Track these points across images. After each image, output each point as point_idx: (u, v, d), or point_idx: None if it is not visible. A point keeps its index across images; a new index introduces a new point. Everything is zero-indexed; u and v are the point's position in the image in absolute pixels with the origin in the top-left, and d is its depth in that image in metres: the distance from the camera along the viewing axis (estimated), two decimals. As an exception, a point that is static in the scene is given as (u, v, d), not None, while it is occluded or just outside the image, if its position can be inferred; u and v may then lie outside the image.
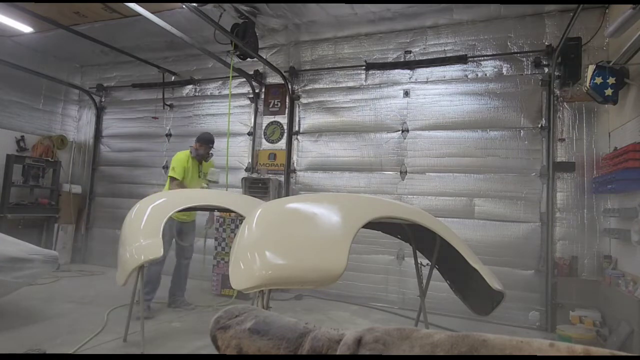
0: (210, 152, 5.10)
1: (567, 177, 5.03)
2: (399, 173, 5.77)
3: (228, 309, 1.16)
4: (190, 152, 4.99)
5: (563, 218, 5.00)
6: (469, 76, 5.58)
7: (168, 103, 7.42)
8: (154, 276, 4.64)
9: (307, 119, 6.45)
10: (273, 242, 2.41)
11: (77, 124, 8.39)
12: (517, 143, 5.26)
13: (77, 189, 7.81)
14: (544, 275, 4.92)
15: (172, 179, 4.81)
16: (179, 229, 4.91)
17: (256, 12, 5.60)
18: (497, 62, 5.46)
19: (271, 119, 6.61)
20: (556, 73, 5.08)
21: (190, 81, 7.34)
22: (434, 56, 5.75)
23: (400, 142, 5.80)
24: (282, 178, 6.38)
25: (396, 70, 5.96)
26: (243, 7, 5.42)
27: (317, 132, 6.36)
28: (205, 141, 5.04)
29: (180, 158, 4.92)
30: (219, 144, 6.84)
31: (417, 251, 3.80)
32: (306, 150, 6.41)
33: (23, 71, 6.82)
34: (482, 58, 5.52)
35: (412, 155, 5.73)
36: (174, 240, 4.91)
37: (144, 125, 7.68)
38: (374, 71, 6.08)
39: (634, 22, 3.60)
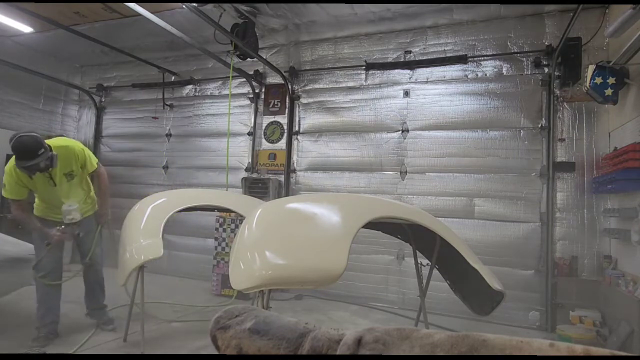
0: (49, 156, 3.32)
1: (567, 177, 5.03)
2: (399, 173, 5.77)
3: (228, 309, 1.16)
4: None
5: (563, 218, 5.00)
6: (469, 76, 5.58)
7: (168, 103, 7.42)
8: (45, 292, 3.62)
9: (307, 119, 6.45)
10: (273, 242, 2.41)
11: (77, 124, 8.39)
12: (517, 143, 5.26)
13: (77, 189, 7.81)
14: (544, 275, 4.92)
15: (11, 200, 3.49)
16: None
17: (256, 12, 5.60)
18: (497, 62, 5.45)
19: (271, 119, 6.61)
20: (556, 73, 5.08)
21: (190, 81, 7.34)
22: (434, 56, 5.75)
23: (400, 142, 5.80)
24: (282, 178, 6.38)
25: (396, 70, 5.96)
26: (243, 7, 5.42)
27: (317, 132, 6.36)
28: (18, 153, 3.21)
29: (9, 172, 3.41)
30: (218, 144, 6.91)
31: (417, 251, 3.80)
32: (306, 150, 6.41)
33: (23, 71, 6.81)
34: (482, 58, 5.52)
35: (412, 155, 5.73)
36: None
37: (144, 125, 7.68)
38: (374, 71, 6.08)
39: (634, 22, 3.59)
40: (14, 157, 3.28)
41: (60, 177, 3.57)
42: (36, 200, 3.74)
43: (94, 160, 3.87)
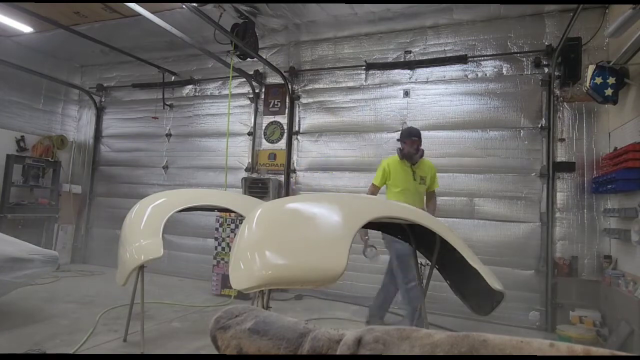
0: (419, 148, 4.30)
1: (567, 177, 5.03)
2: (399, 173, 5.77)
3: (228, 309, 1.16)
4: (397, 153, 4.40)
5: (563, 218, 4.99)
6: (469, 76, 5.58)
7: (168, 103, 7.42)
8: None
9: (307, 119, 6.45)
10: (273, 242, 2.40)
11: (77, 124, 8.38)
12: (517, 143, 5.26)
13: (77, 189, 7.81)
14: (544, 275, 4.91)
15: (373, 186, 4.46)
16: None
17: (256, 12, 5.60)
18: (497, 62, 5.45)
19: (271, 119, 6.61)
20: (556, 73, 5.08)
21: (190, 81, 7.34)
22: (434, 56, 5.75)
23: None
24: (282, 178, 6.37)
25: (396, 70, 5.96)
26: (243, 7, 5.42)
27: (317, 132, 6.36)
28: (406, 135, 4.34)
29: (383, 164, 4.44)
30: (218, 144, 6.91)
31: (417, 251, 3.80)
32: (306, 150, 6.41)
33: (23, 71, 6.82)
34: (482, 58, 5.52)
35: (412, 155, 5.72)
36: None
37: (144, 125, 7.67)
38: (374, 71, 6.08)
39: (634, 22, 3.60)
40: (392, 156, 4.45)
41: (417, 176, 4.34)
42: (393, 191, 4.37)
43: (438, 183, 4.58)
